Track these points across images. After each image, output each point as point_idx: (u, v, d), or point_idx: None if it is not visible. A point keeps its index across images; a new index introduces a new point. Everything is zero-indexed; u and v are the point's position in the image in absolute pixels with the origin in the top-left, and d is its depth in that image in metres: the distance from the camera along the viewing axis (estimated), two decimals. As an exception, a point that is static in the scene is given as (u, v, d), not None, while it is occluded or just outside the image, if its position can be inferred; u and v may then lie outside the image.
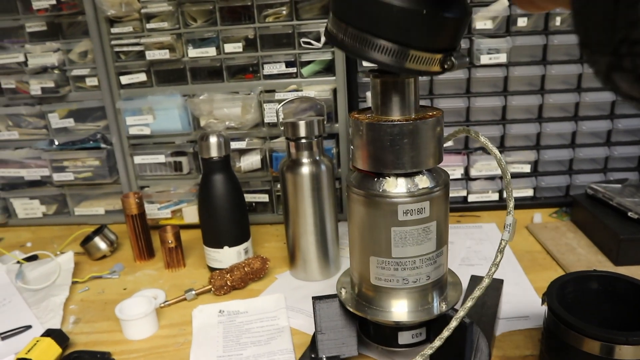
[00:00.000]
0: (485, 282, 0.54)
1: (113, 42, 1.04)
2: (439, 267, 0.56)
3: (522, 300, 0.79)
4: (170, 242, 0.93)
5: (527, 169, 1.11)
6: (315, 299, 0.60)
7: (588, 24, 0.26)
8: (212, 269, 0.91)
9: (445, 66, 0.47)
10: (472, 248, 0.97)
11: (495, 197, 1.12)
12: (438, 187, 0.53)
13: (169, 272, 0.95)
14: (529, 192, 1.12)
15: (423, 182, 0.53)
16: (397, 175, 0.53)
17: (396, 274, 0.55)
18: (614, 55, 0.25)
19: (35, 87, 1.08)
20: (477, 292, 0.54)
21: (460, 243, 0.99)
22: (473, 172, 1.10)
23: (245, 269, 0.86)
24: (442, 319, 0.57)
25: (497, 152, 0.53)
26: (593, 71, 0.27)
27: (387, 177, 0.53)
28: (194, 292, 0.84)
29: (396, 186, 0.52)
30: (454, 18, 0.45)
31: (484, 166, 1.10)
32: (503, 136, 1.08)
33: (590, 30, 0.26)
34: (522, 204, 1.11)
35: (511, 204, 0.54)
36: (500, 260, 0.54)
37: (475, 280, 0.81)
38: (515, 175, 1.11)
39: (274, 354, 0.69)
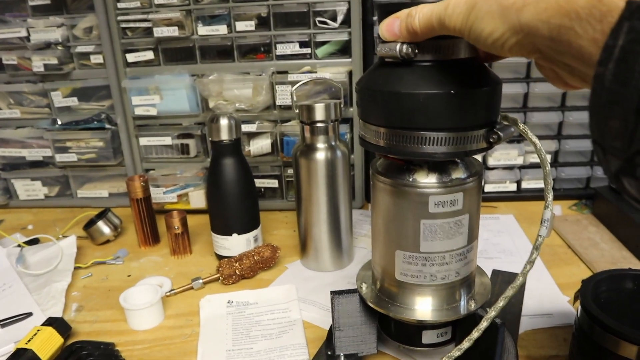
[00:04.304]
0: (519, 281, 0.50)
1: (119, 18, 0.99)
2: (469, 263, 0.53)
3: (545, 296, 0.76)
4: (176, 227, 0.90)
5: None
6: (334, 293, 0.57)
7: (604, 127, 0.26)
8: (219, 257, 0.87)
9: (491, 140, 0.46)
10: (490, 240, 0.94)
11: (513, 187, 1.08)
12: (472, 178, 0.49)
13: (175, 259, 0.92)
14: (548, 184, 1.08)
15: (456, 171, 0.49)
16: (429, 164, 0.48)
17: (424, 270, 0.51)
18: (627, 163, 0.25)
19: (37, 63, 1.04)
20: (509, 292, 0.50)
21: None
22: (491, 162, 1.06)
23: (255, 258, 0.83)
24: (469, 318, 0.54)
25: (537, 140, 0.49)
26: (602, 168, 0.28)
27: (417, 166, 0.49)
28: (201, 281, 0.81)
29: (427, 175, 0.48)
30: (485, 90, 0.45)
31: (502, 155, 1.06)
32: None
33: (605, 133, 0.26)
34: (541, 195, 1.05)
35: (550, 197, 0.50)
36: (535, 258, 0.50)
37: (497, 274, 0.77)
38: (534, 166, 1.07)
39: (286, 348, 0.66)
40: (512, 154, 1.06)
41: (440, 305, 0.53)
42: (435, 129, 0.44)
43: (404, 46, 0.43)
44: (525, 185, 1.08)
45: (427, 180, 0.48)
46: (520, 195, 1.08)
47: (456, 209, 0.49)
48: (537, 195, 1.07)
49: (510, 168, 1.08)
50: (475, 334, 0.50)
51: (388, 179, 0.50)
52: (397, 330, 0.57)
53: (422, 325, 0.55)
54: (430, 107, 0.43)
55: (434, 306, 0.53)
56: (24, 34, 1.04)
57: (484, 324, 0.50)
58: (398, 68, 0.45)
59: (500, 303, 0.50)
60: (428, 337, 0.55)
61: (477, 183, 0.50)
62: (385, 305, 0.54)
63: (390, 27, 0.43)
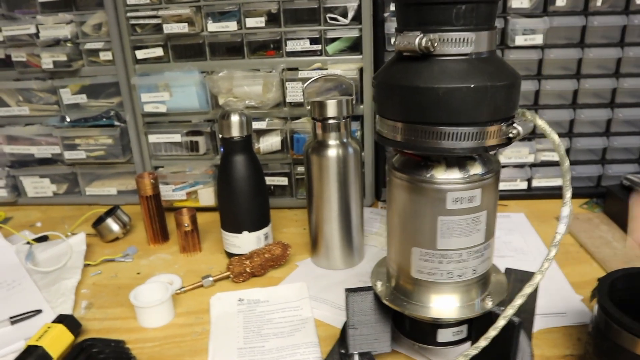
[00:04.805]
0: (537, 279, 0.49)
1: (129, 14, 0.99)
2: (486, 261, 0.52)
3: (558, 295, 0.75)
4: (186, 225, 0.89)
5: (558, 157, 1.05)
6: (349, 291, 0.56)
7: None
8: (229, 255, 0.87)
9: (511, 135, 0.46)
10: (502, 239, 0.93)
11: (523, 185, 1.07)
12: (490, 174, 0.49)
13: (185, 257, 0.91)
14: (559, 182, 1.07)
15: (475, 167, 0.48)
16: (447, 159, 0.48)
17: (440, 267, 0.50)
18: None
19: (46, 60, 1.04)
20: (527, 289, 0.49)
21: (489, 233, 0.94)
22: (502, 159, 1.05)
23: (266, 256, 0.82)
24: (485, 316, 0.53)
25: (555, 136, 0.49)
26: None
27: (435, 161, 0.48)
28: (211, 279, 0.80)
29: (445, 171, 0.48)
30: (505, 85, 0.44)
31: (513, 153, 1.05)
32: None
33: None
34: (552, 193, 1.06)
35: (568, 194, 0.50)
36: (554, 255, 0.50)
37: (510, 273, 0.76)
38: (545, 164, 1.06)
39: (298, 347, 0.65)
40: (523, 152, 1.05)
41: (456, 303, 0.52)
42: (454, 123, 0.44)
43: (423, 39, 0.42)
44: (536, 183, 1.07)
45: (445, 176, 0.48)
46: (531, 193, 1.07)
47: (474, 206, 0.48)
48: (547, 193, 1.06)
49: (521, 166, 1.07)
50: (492, 332, 0.49)
51: (405, 175, 0.49)
52: (412, 328, 0.57)
53: (438, 324, 0.54)
54: (450, 101, 0.43)
55: (450, 304, 0.52)
56: (33, 30, 1.03)
57: (501, 322, 0.49)
58: (416, 62, 0.45)
59: (518, 301, 0.49)
60: (443, 335, 0.55)
61: (494, 179, 0.50)
62: (400, 303, 0.54)
63: None
